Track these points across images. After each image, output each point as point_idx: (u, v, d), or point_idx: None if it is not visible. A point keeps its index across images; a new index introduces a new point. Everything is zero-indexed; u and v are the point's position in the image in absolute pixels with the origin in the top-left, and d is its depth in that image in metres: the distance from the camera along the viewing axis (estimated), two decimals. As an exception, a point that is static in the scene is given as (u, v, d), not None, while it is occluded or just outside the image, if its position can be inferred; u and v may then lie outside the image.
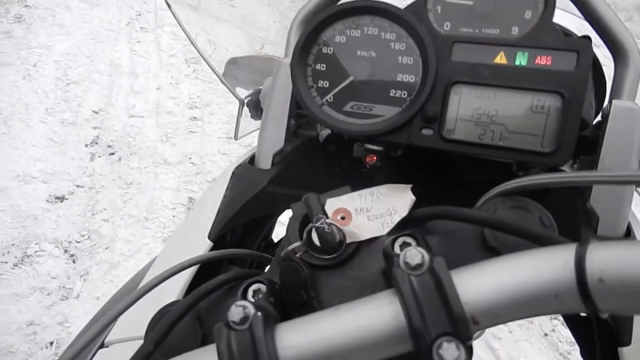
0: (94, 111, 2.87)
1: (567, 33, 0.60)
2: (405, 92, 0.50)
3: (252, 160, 0.62)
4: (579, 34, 0.57)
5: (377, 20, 0.50)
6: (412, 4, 0.51)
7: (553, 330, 2.02)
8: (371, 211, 0.40)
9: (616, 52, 0.51)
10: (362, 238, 0.39)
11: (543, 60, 0.45)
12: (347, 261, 0.38)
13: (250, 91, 0.77)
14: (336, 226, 0.38)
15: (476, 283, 0.29)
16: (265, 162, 0.59)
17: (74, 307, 1.95)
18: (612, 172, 0.32)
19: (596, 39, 0.52)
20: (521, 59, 0.46)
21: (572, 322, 0.55)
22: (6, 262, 2.09)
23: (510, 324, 2.05)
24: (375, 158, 0.52)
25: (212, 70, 0.77)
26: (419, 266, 0.29)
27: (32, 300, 1.95)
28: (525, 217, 0.38)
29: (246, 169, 0.60)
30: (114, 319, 0.41)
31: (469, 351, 0.27)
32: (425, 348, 0.27)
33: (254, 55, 0.86)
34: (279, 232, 0.61)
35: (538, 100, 0.45)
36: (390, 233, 0.38)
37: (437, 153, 0.50)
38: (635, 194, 0.54)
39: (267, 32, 0.93)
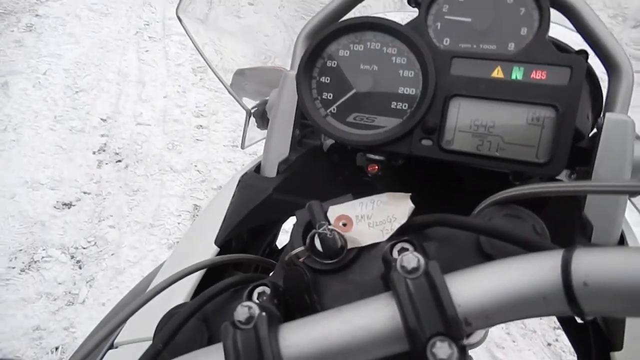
0: (101, 119, 2.91)
1: (563, 48, 0.61)
2: (406, 104, 0.52)
3: (258, 168, 0.64)
4: (578, 48, 0.59)
5: (379, 35, 0.53)
6: (413, 20, 0.53)
7: (556, 340, 2.02)
8: (372, 218, 0.42)
9: (609, 67, 0.53)
10: (363, 244, 0.40)
11: (538, 75, 0.47)
12: (348, 266, 0.40)
13: (257, 102, 0.79)
14: (338, 232, 0.40)
15: (469, 286, 0.30)
16: (270, 171, 0.61)
17: (80, 313, 1.97)
18: (601, 182, 0.34)
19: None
20: (517, 74, 0.48)
21: (569, 328, 0.57)
22: (13, 268, 2.12)
23: (513, 333, 2.05)
24: (377, 167, 0.54)
25: (220, 80, 0.80)
26: (414, 270, 0.31)
27: (39, 306, 1.98)
28: (518, 225, 0.40)
29: (252, 177, 0.62)
30: (124, 320, 0.43)
31: (462, 351, 0.29)
32: (419, 347, 0.29)
33: (261, 66, 0.89)
34: (282, 240, 0.63)
35: (533, 113, 0.47)
36: (389, 239, 0.40)
37: (437, 163, 0.52)
38: (629, 203, 0.56)
39: (273, 43, 0.96)
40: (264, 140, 0.64)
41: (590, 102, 0.64)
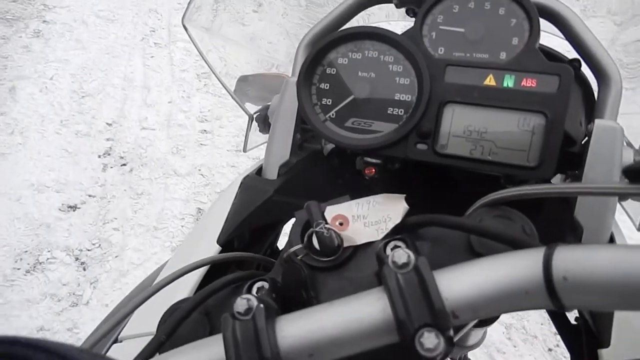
0: (107, 123, 2.94)
1: (555, 57, 0.63)
2: (402, 110, 0.54)
3: (259, 171, 0.66)
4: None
5: (376, 44, 0.55)
6: (409, 30, 0.55)
7: (557, 346, 2.02)
8: (367, 218, 0.44)
9: (599, 75, 0.54)
10: (359, 242, 0.42)
11: (528, 83, 0.49)
12: (344, 264, 0.42)
13: (259, 107, 0.81)
14: (334, 231, 0.42)
15: (456, 281, 0.32)
16: (271, 173, 0.63)
17: (84, 314, 1.99)
18: (584, 184, 0.36)
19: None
20: (508, 81, 0.50)
21: (561, 328, 0.58)
22: (19, 269, 2.14)
23: (514, 338, 2.05)
24: (373, 170, 0.56)
25: (224, 86, 0.82)
26: (405, 265, 0.32)
27: (43, 306, 2.00)
28: (508, 226, 0.42)
29: (254, 179, 0.64)
30: (129, 313, 0.45)
31: (449, 342, 0.31)
32: (408, 338, 0.30)
33: (264, 73, 0.91)
34: (284, 242, 0.65)
35: (524, 119, 0.49)
36: (384, 238, 0.42)
37: (432, 166, 0.53)
38: (619, 206, 0.57)
39: (276, 50, 0.98)
40: (265, 144, 0.66)
41: (583, 109, 0.65)
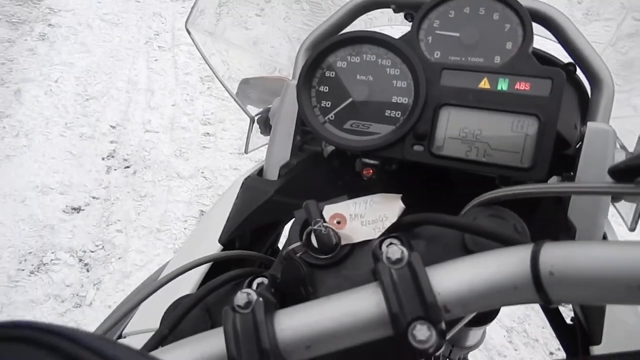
0: (111, 126, 2.97)
1: (550, 60, 0.65)
2: (399, 112, 0.55)
3: (260, 172, 0.67)
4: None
5: (374, 48, 0.56)
6: (406, 34, 0.56)
7: (559, 349, 2.02)
8: (364, 217, 0.45)
9: (592, 79, 0.56)
10: (356, 240, 0.43)
11: (522, 86, 0.50)
12: (342, 261, 0.43)
13: (261, 109, 0.83)
14: (332, 229, 0.43)
15: (448, 277, 0.33)
16: (272, 174, 0.65)
17: (87, 315, 2.01)
18: (573, 184, 0.37)
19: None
20: (502, 85, 0.51)
21: (556, 326, 0.59)
22: (23, 270, 2.16)
23: (515, 342, 2.05)
24: (371, 171, 0.57)
25: (226, 89, 0.84)
26: (398, 260, 0.34)
27: (47, 307, 2.02)
28: (500, 224, 0.43)
29: (255, 180, 0.66)
30: (134, 307, 0.46)
31: (441, 335, 0.32)
32: (401, 330, 0.32)
33: (265, 76, 0.93)
34: (283, 243, 0.66)
35: (517, 122, 0.50)
36: (380, 237, 0.43)
37: (428, 167, 0.55)
38: (612, 208, 0.58)
39: (278, 54, 1.00)
40: (266, 146, 0.68)
41: (579, 113, 0.67)
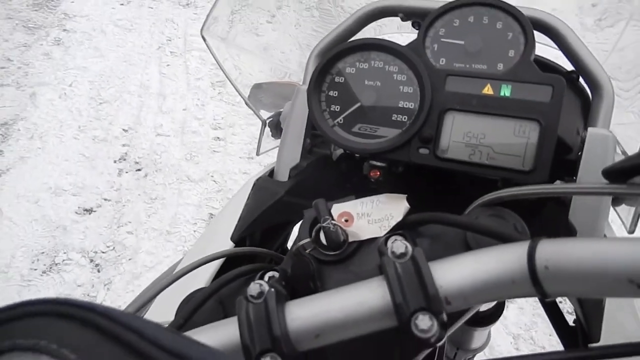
0: (123, 129, 3.02)
1: (552, 67, 0.67)
2: (406, 117, 0.57)
3: (271, 173, 0.70)
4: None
5: (382, 55, 0.58)
6: (412, 42, 0.59)
7: (565, 357, 2.01)
8: (371, 216, 0.48)
9: (592, 86, 0.58)
10: (363, 238, 0.46)
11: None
12: (349, 258, 0.45)
13: (272, 113, 0.86)
14: (340, 227, 0.45)
15: (450, 271, 0.35)
16: (283, 176, 0.67)
17: (97, 315, 2.04)
18: (568, 185, 0.39)
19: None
20: (505, 91, 0.53)
21: (557, 325, 0.61)
22: (35, 269, 2.20)
23: (522, 348, 2.05)
24: (378, 173, 0.60)
25: (239, 93, 0.86)
26: (402, 255, 0.36)
27: (59, 307, 2.05)
28: (501, 224, 0.45)
29: (266, 181, 0.68)
30: (149, 300, 0.48)
31: (443, 325, 0.34)
32: (405, 320, 0.34)
33: (276, 81, 0.96)
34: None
35: (519, 126, 0.52)
36: (386, 234, 0.45)
37: (433, 170, 0.57)
38: (613, 211, 0.60)
39: (288, 60, 1.03)
40: (277, 149, 0.70)
41: (582, 119, 0.68)
